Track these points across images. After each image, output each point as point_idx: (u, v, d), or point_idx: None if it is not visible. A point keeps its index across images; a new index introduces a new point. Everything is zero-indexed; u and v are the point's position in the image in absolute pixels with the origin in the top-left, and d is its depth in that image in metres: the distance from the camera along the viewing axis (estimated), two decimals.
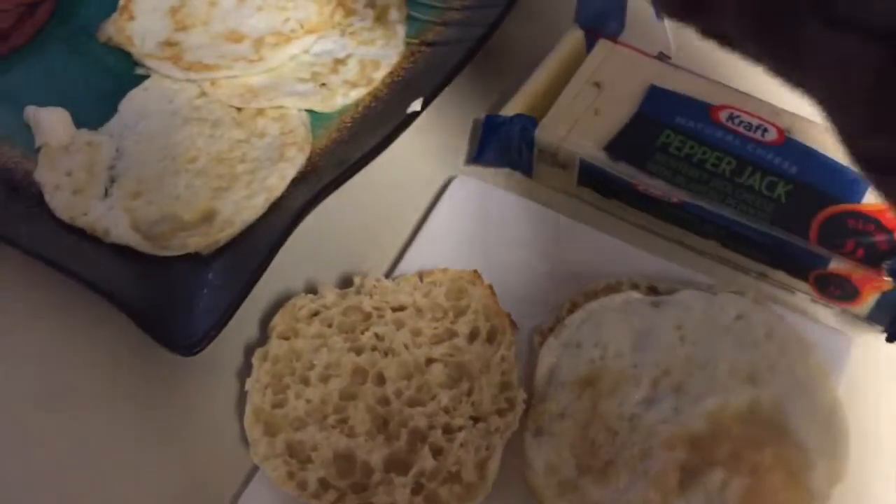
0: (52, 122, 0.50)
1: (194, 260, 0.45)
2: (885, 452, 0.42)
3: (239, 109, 0.52)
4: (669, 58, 0.53)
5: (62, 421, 0.44)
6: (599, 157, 0.48)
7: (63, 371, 0.46)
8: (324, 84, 0.53)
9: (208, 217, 0.47)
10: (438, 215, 0.48)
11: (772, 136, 0.47)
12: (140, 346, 0.44)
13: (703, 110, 0.49)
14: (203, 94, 0.52)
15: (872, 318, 0.45)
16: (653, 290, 0.45)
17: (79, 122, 0.51)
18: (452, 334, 0.43)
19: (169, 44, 0.54)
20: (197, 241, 0.46)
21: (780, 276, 0.46)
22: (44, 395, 0.45)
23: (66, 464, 0.43)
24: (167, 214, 0.48)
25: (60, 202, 0.48)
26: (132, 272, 0.45)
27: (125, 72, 0.54)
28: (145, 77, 0.53)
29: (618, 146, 0.48)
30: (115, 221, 0.46)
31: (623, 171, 0.47)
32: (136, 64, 0.54)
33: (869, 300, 0.44)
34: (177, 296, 0.44)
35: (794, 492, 0.38)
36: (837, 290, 0.45)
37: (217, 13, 0.55)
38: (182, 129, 0.51)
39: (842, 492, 0.39)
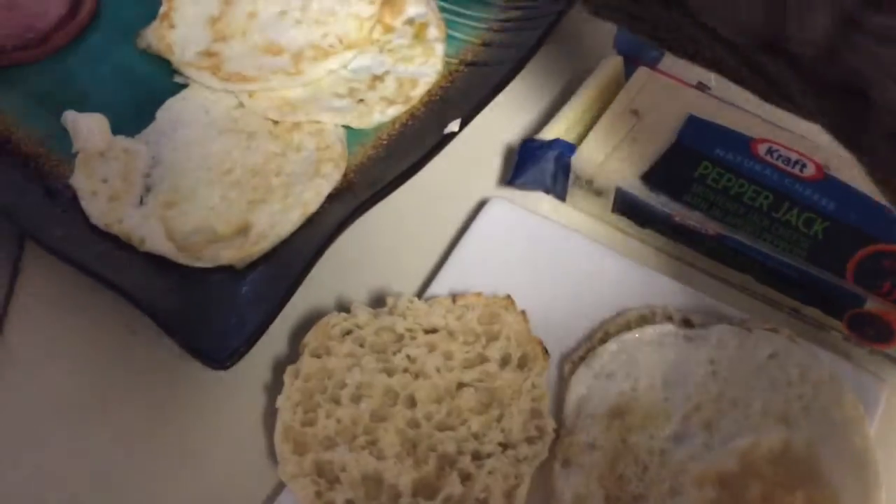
0: (90, 128, 0.50)
1: (228, 273, 0.45)
2: None
3: (275, 122, 0.52)
4: (709, 88, 0.53)
5: (90, 430, 0.44)
6: (636, 186, 0.48)
7: (92, 378, 0.46)
8: (361, 100, 0.53)
9: (243, 230, 0.47)
10: (472, 237, 0.48)
11: (810, 171, 0.47)
12: (171, 357, 0.44)
13: (742, 143, 0.48)
14: (240, 105, 0.52)
15: None
16: (686, 323, 0.45)
17: (116, 129, 0.51)
18: (484, 359, 0.43)
19: (208, 54, 0.54)
20: (231, 254, 0.46)
21: (814, 313, 0.46)
22: (72, 403, 0.45)
23: (93, 473, 0.43)
24: (202, 225, 0.48)
25: (96, 208, 0.48)
26: (165, 282, 0.45)
27: (163, 80, 0.54)
28: (183, 86, 0.53)
29: (655, 176, 0.48)
30: (151, 230, 0.46)
31: (660, 201, 0.47)
32: (175, 72, 0.54)
33: None
34: (210, 308, 0.44)
35: None
36: (872, 331, 0.45)
37: (256, 25, 0.55)
38: (218, 139, 0.51)
39: None
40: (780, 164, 0.48)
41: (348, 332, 0.43)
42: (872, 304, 0.44)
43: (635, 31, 0.36)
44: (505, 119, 0.54)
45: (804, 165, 0.47)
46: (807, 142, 0.48)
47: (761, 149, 0.48)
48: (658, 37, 0.36)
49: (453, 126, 0.49)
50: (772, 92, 0.33)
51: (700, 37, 0.33)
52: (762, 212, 0.46)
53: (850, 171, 0.47)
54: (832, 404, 0.41)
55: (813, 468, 0.40)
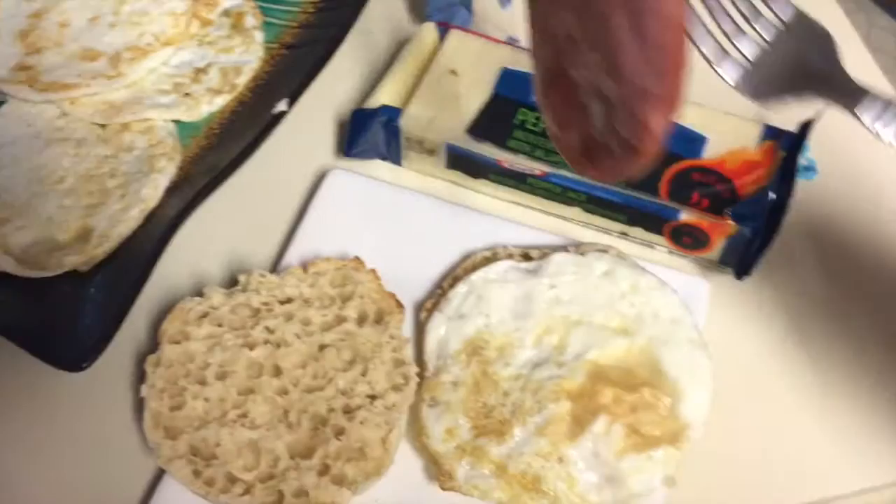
0: None
1: (74, 278, 0.45)
2: (744, 377, 0.46)
3: (103, 126, 0.52)
4: (518, 41, 0.56)
5: None
6: (463, 140, 0.50)
7: None
8: (187, 94, 0.53)
9: (84, 235, 0.47)
10: (316, 208, 0.50)
11: None
12: (28, 367, 0.43)
13: None
14: (64, 114, 0.52)
15: (723, 261, 0.49)
16: (526, 258, 0.48)
17: None
18: (342, 320, 0.45)
19: (22, 68, 0.53)
20: (74, 260, 0.46)
21: (639, 232, 0.50)
22: None
23: None
24: (41, 237, 0.47)
25: None
26: (11, 296, 0.44)
27: None
28: (2, 103, 0.52)
29: (479, 128, 0.50)
30: None
31: (486, 150, 0.50)
32: None
33: (718, 245, 0.49)
34: (60, 315, 0.43)
35: (671, 422, 0.42)
36: (690, 240, 0.49)
37: (69, 33, 0.55)
38: (45, 151, 0.50)
39: (711, 418, 0.43)
40: None
41: (205, 315, 0.44)
42: (686, 216, 0.48)
43: None
44: (338, 92, 0.56)
45: None
46: None
47: None
48: None
49: (282, 105, 0.50)
50: None
51: None
52: None
53: None
54: (661, 308, 0.45)
55: (654, 366, 0.43)
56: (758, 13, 0.36)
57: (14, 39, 0.55)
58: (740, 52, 0.36)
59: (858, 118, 0.35)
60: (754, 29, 0.36)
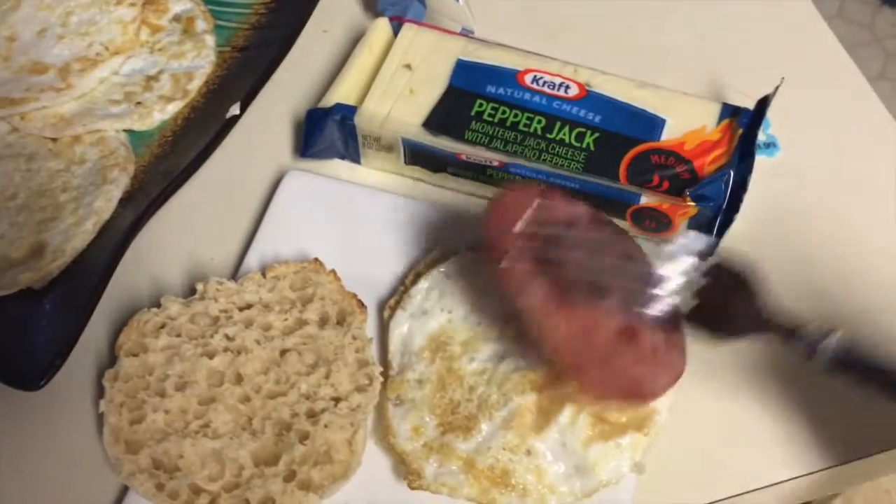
0: None
1: (28, 295, 0.44)
2: (708, 359, 0.45)
3: (54, 140, 0.51)
4: (472, 32, 0.55)
5: None
6: (419, 134, 0.50)
7: None
8: (139, 103, 0.52)
9: (37, 251, 0.46)
10: (274, 212, 0.49)
11: (574, 91, 0.51)
12: None
13: (509, 76, 0.51)
14: (14, 129, 0.51)
15: None
16: None
17: None
18: (303, 323, 0.44)
19: None
20: (28, 277, 0.45)
21: None
22: None
23: None
24: None
25: None
26: None
27: None
28: None
29: (435, 121, 0.50)
30: None
31: (443, 143, 0.49)
32: None
33: (680, 227, 0.48)
34: (14, 333, 0.43)
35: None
36: (653, 223, 0.49)
37: (17, 47, 0.54)
38: None
39: (676, 402, 0.42)
40: (546, 89, 0.51)
41: (163, 326, 0.43)
42: (647, 199, 0.48)
43: None
44: (295, 92, 0.55)
45: (568, 87, 0.51)
46: (568, 66, 0.52)
47: (527, 78, 0.51)
48: None
49: (235, 109, 0.50)
50: None
51: None
52: (538, 135, 0.49)
53: (609, 85, 0.51)
54: None
55: None
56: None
57: None
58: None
59: (796, 348, 0.37)
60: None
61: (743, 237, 0.49)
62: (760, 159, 0.49)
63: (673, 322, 0.40)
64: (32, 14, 0.55)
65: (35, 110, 0.51)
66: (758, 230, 0.50)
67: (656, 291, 0.39)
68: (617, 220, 0.49)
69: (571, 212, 0.42)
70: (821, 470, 0.43)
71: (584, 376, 0.39)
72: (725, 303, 0.39)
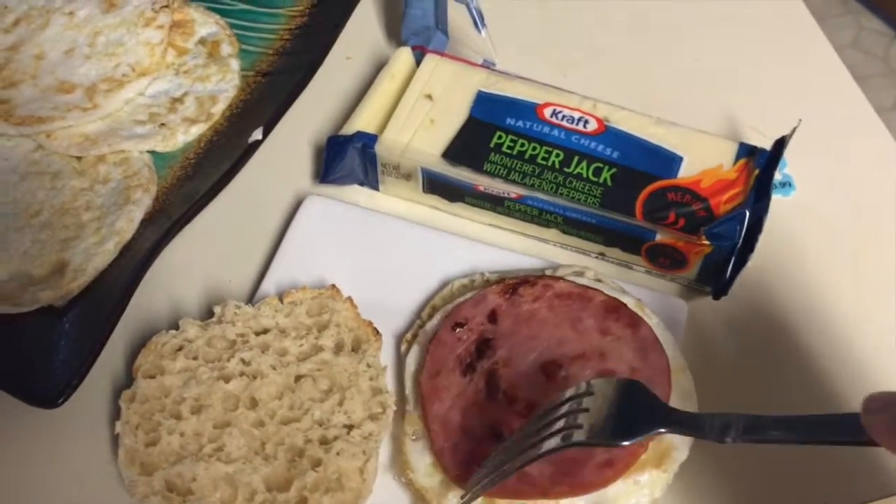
0: None
1: (48, 313, 0.45)
2: (725, 395, 0.46)
3: (79, 158, 0.52)
4: (494, 65, 0.56)
5: None
6: (438, 164, 0.50)
7: None
8: (163, 124, 0.53)
9: (59, 269, 0.47)
10: (292, 237, 0.50)
11: (593, 126, 0.51)
12: (2, 403, 0.43)
13: (528, 109, 0.52)
14: (40, 147, 0.52)
15: (701, 280, 0.49)
16: (504, 281, 0.47)
17: None
18: (318, 349, 0.44)
19: None
20: (49, 295, 0.45)
21: (616, 253, 0.50)
22: None
23: None
24: (16, 272, 0.47)
25: None
26: None
27: None
28: None
29: (454, 152, 0.50)
30: None
31: (462, 174, 0.50)
32: None
33: (696, 265, 0.49)
34: (33, 350, 0.43)
35: (656, 444, 0.41)
36: (667, 260, 0.49)
37: (45, 66, 0.55)
38: (21, 184, 0.50)
39: (696, 440, 0.43)
40: (565, 123, 0.51)
41: (180, 348, 0.44)
42: (662, 236, 0.48)
43: None
44: (317, 118, 0.56)
45: (587, 122, 0.51)
46: (587, 101, 0.52)
47: (547, 112, 0.52)
48: None
49: (257, 134, 0.50)
50: None
51: None
52: (555, 169, 0.50)
53: (627, 121, 0.51)
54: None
55: None
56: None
57: None
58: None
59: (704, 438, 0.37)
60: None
61: (758, 277, 0.50)
62: (776, 199, 0.50)
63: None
64: (60, 33, 0.56)
65: (61, 129, 0.52)
66: (773, 270, 0.51)
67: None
68: (632, 257, 0.50)
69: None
70: None
71: None
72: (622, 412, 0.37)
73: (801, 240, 0.52)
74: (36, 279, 0.46)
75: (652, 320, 0.44)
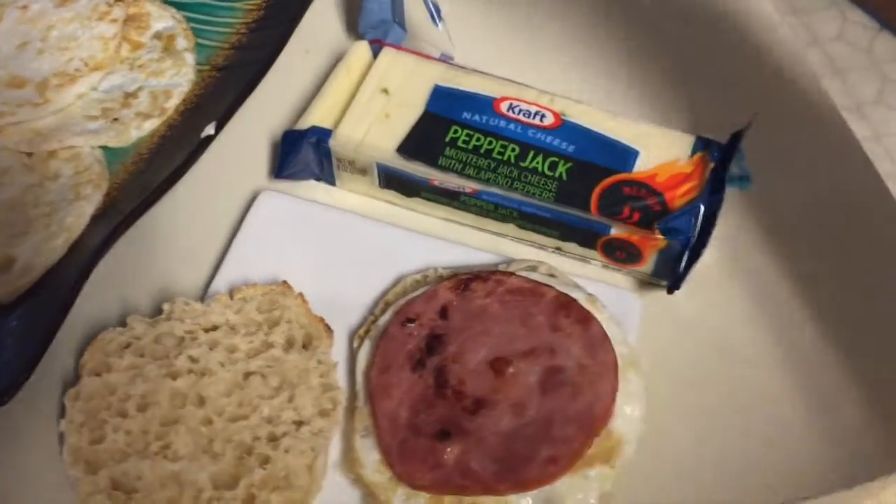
0: None
1: None
2: (676, 391, 0.46)
3: (29, 154, 0.51)
4: (452, 58, 0.56)
5: None
6: (393, 160, 0.50)
7: None
8: (116, 119, 0.52)
9: (6, 264, 0.46)
10: (245, 232, 0.49)
11: (549, 120, 0.51)
12: None
13: (485, 103, 0.52)
14: None
15: (656, 274, 0.49)
16: (457, 276, 0.47)
17: None
18: (268, 346, 0.44)
19: None
20: None
21: (573, 247, 0.50)
22: None
23: None
24: None
25: None
26: None
27: None
28: None
29: (409, 146, 0.50)
30: None
31: (417, 169, 0.50)
32: None
33: (651, 259, 0.48)
34: None
35: (605, 439, 0.41)
36: (623, 254, 0.49)
37: None
38: None
39: (644, 434, 0.42)
40: (521, 117, 0.51)
41: (127, 346, 0.43)
42: (617, 230, 0.48)
43: None
44: (274, 111, 0.55)
45: (543, 115, 0.51)
46: (544, 95, 0.52)
47: (503, 106, 0.52)
48: None
49: (209, 129, 0.50)
50: None
51: None
52: (511, 163, 0.49)
53: (584, 115, 0.51)
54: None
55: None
56: None
57: None
58: None
59: None
60: None
61: (713, 270, 0.50)
62: (733, 192, 0.50)
63: None
64: (13, 27, 0.55)
65: (11, 125, 0.51)
66: (728, 264, 0.51)
67: None
68: (588, 251, 0.50)
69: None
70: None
71: None
72: None
73: (758, 234, 0.52)
74: None
75: (602, 315, 0.44)
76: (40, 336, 0.43)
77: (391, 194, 0.52)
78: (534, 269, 0.47)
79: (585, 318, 0.43)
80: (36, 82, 0.53)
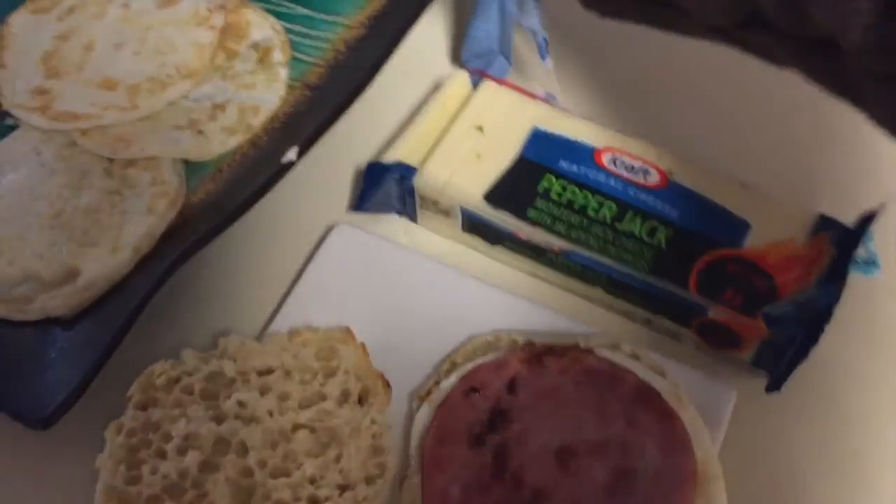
0: None
1: (50, 324, 0.43)
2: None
3: (110, 160, 0.50)
4: (555, 99, 0.52)
5: None
6: (479, 206, 0.46)
7: None
8: (201, 131, 0.51)
9: (71, 276, 0.45)
10: (314, 268, 0.47)
11: (654, 179, 0.47)
12: None
13: (585, 153, 0.47)
14: (72, 143, 0.50)
15: (757, 364, 0.44)
16: (531, 346, 0.43)
17: None
18: (322, 397, 0.41)
19: (40, 91, 0.52)
20: (57, 304, 0.44)
21: (665, 322, 0.45)
22: None
23: None
24: (29, 274, 0.45)
25: None
26: None
27: None
28: (14, 128, 0.51)
29: (498, 193, 0.46)
30: None
31: (503, 219, 0.46)
32: (6, 114, 0.52)
33: (751, 347, 0.43)
34: (26, 364, 0.41)
35: None
36: (720, 338, 0.44)
37: (92, 58, 0.53)
38: (48, 181, 0.49)
39: None
40: (623, 172, 0.47)
41: (177, 381, 0.41)
42: (716, 313, 0.43)
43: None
44: (362, 138, 0.53)
45: (648, 173, 0.47)
46: (652, 149, 0.48)
47: (605, 158, 0.47)
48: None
49: (291, 155, 0.47)
50: (764, 57, 0.33)
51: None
52: (605, 224, 0.45)
53: (694, 176, 0.46)
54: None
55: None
56: None
57: (39, 61, 0.53)
58: None
59: None
60: None
61: (823, 371, 0.44)
62: (856, 278, 0.44)
63: None
64: (114, 25, 0.54)
65: (97, 127, 0.50)
66: (841, 364, 0.45)
67: None
68: (681, 328, 0.45)
69: None
70: None
71: None
72: None
73: (881, 330, 0.46)
74: (45, 285, 0.45)
75: (687, 413, 0.40)
76: (95, 357, 0.41)
77: (474, 240, 0.49)
78: (616, 347, 0.42)
79: (667, 415, 0.39)
80: (128, 85, 0.52)
